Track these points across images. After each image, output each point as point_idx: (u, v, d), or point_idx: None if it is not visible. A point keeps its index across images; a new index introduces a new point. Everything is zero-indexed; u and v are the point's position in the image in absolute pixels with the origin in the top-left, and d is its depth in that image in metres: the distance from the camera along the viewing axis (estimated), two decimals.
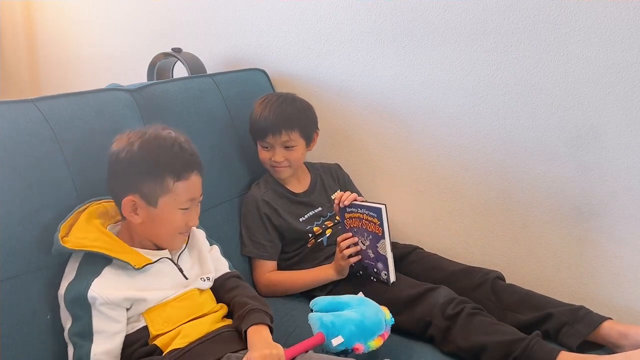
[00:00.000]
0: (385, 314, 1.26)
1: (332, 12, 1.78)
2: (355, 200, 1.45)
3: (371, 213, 1.40)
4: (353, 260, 1.46)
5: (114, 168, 1.17)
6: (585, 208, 1.55)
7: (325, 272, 1.52)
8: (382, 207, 1.38)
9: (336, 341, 1.17)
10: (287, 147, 1.60)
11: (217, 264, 1.33)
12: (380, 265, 1.43)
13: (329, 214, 1.66)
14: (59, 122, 1.26)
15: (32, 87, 2.58)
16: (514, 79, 1.56)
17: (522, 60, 1.54)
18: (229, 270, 1.35)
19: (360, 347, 1.19)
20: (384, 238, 1.39)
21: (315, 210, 1.65)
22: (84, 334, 1.09)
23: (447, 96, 1.66)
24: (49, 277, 1.16)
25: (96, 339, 1.09)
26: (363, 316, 1.21)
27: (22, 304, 1.12)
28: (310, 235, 1.61)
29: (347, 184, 1.76)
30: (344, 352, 1.20)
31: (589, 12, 1.43)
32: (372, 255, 1.44)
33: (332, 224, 1.65)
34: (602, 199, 1.53)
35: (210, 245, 1.37)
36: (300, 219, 1.62)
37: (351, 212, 1.45)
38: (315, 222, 1.63)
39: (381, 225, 1.38)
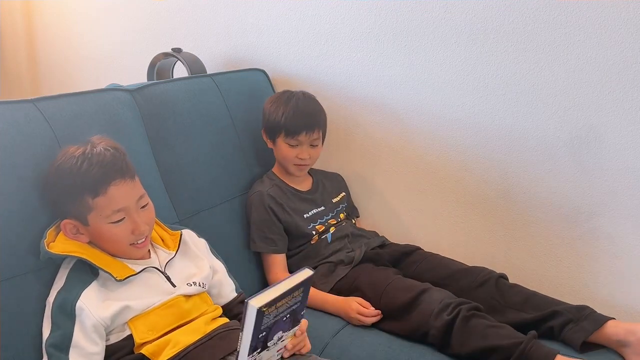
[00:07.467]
0: None
1: (332, 12, 1.78)
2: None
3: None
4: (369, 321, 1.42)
5: (46, 196, 1.18)
6: (585, 208, 1.55)
7: (331, 308, 1.48)
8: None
9: None
10: (312, 146, 1.62)
11: (221, 289, 1.31)
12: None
13: (331, 213, 1.68)
14: (59, 122, 1.26)
15: (32, 87, 2.58)
16: (514, 79, 1.56)
17: (522, 60, 1.54)
18: (236, 294, 1.33)
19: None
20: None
21: (319, 209, 1.66)
22: (61, 346, 1.06)
23: (447, 96, 1.66)
24: (49, 278, 1.16)
25: (72, 353, 1.06)
26: None
27: (22, 304, 1.12)
28: (314, 233, 1.62)
29: (347, 199, 1.78)
30: None
31: (589, 12, 1.43)
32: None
33: (335, 222, 1.66)
34: (602, 199, 1.53)
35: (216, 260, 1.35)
36: (305, 216, 1.62)
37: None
38: (319, 220, 1.64)
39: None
